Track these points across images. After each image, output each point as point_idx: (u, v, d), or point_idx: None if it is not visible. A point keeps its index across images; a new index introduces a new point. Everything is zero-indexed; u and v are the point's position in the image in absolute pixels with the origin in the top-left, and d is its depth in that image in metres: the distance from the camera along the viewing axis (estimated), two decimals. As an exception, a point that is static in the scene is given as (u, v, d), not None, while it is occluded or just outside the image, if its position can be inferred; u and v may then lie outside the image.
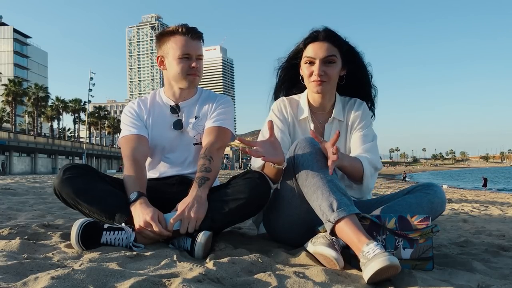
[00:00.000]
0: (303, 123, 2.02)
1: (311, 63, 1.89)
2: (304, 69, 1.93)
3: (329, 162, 1.56)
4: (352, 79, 2.01)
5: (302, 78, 1.99)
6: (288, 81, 2.09)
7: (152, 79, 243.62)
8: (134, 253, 1.53)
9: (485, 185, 26.10)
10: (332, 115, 2.00)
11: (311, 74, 1.89)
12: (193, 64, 1.98)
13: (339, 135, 1.55)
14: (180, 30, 1.98)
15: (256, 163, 1.87)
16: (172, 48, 1.98)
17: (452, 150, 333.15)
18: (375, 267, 1.28)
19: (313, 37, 1.91)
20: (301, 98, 2.05)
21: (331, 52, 1.87)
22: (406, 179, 41.60)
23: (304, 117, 2.00)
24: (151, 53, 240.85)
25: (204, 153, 1.93)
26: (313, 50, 1.89)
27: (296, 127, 2.02)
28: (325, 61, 1.87)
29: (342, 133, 2.02)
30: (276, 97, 2.13)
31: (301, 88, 2.07)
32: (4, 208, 3.18)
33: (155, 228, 1.65)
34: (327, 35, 1.90)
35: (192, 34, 1.98)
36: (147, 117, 2.11)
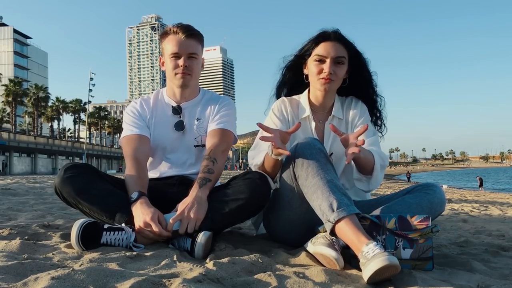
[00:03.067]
0: (304, 122, 2.02)
1: (321, 61, 1.90)
2: (311, 67, 1.93)
3: (349, 151, 1.57)
4: (357, 85, 2.02)
5: (306, 77, 1.99)
6: (291, 80, 2.09)
7: (152, 80, 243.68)
8: (134, 253, 1.53)
9: (481, 185, 26.35)
10: (332, 113, 2.02)
11: (320, 72, 1.90)
12: (181, 63, 1.98)
13: (367, 128, 1.58)
14: (172, 30, 2.01)
15: (256, 159, 1.86)
16: (166, 48, 2.02)
17: (452, 150, 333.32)
18: (375, 267, 1.28)
19: (326, 36, 1.93)
20: (301, 98, 2.06)
21: (341, 53, 1.90)
22: (411, 179, 40.78)
23: (305, 116, 2.01)
24: (151, 53, 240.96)
25: (208, 154, 1.93)
26: (325, 49, 1.90)
27: None
28: (335, 61, 1.89)
29: (342, 131, 2.02)
30: (278, 93, 2.14)
31: (300, 91, 2.09)
32: (4, 209, 3.18)
33: (155, 229, 1.65)
34: (339, 37, 1.93)
35: (182, 32, 1.98)
36: (150, 117, 2.11)
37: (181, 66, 1.98)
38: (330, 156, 1.96)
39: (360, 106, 2.04)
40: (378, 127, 2.11)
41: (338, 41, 1.91)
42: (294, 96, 2.08)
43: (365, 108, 2.05)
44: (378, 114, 2.09)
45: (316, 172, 1.60)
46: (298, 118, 2.02)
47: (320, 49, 1.91)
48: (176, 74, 2.00)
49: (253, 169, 1.90)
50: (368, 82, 2.03)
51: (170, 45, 1.99)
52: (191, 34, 1.99)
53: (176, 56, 1.98)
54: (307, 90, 2.06)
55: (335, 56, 1.89)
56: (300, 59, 2.01)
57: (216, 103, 2.13)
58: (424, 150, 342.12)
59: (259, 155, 1.85)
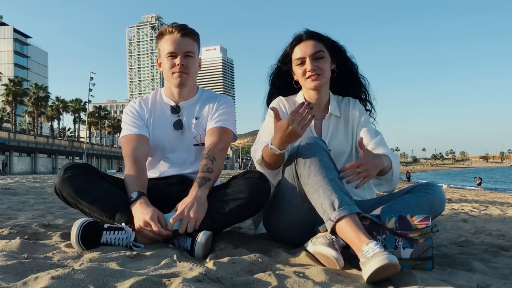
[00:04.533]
0: None
1: (302, 63, 1.96)
2: (297, 71, 1.99)
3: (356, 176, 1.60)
4: (343, 73, 2.06)
5: (296, 82, 2.04)
6: (281, 87, 2.14)
7: (152, 79, 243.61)
8: (134, 253, 1.53)
9: (479, 184, 26.99)
10: (329, 111, 2.05)
11: (304, 72, 1.95)
12: (177, 61, 1.99)
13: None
14: (167, 30, 2.02)
15: (257, 153, 1.85)
16: (162, 48, 2.03)
17: (452, 150, 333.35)
18: (374, 266, 1.28)
19: (298, 39, 1.99)
20: (297, 97, 2.09)
21: (318, 48, 1.95)
22: (411, 179, 40.65)
23: None
24: (151, 53, 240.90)
25: (207, 153, 1.93)
26: (300, 50, 1.96)
27: None
28: (314, 57, 1.94)
29: (340, 129, 2.07)
30: (269, 103, 2.17)
31: (294, 93, 2.12)
32: (4, 208, 3.18)
33: (154, 228, 1.65)
34: (310, 34, 1.98)
35: (178, 31, 1.99)
36: (149, 117, 2.12)
37: (178, 65, 1.99)
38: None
39: (359, 106, 2.09)
40: (369, 112, 2.15)
41: (310, 38, 1.97)
42: (290, 96, 2.12)
43: (363, 108, 2.10)
44: (366, 96, 2.14)
45: (319, 171, 1.60)
46: None
47: (297, 53, 1.97)
48: (173, 73, 2.01)
49: (256, 164, 1.90)
50: (351, 66, 2.08)
51: (166, 44, 2.00)
52: (187, 32, 2.00)
53: (173, 55, 1.99)
54: (301, 91, 2.09)
55: (312, 52, 1.94)
56: (284, 66, 2.06)
57: (215, 101, 2.13)
58: (424, 150, 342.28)
59: (259, 150, 1.85)
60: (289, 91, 2.13)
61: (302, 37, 1.98)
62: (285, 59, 2.05)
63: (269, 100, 2.18)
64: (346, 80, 2.10)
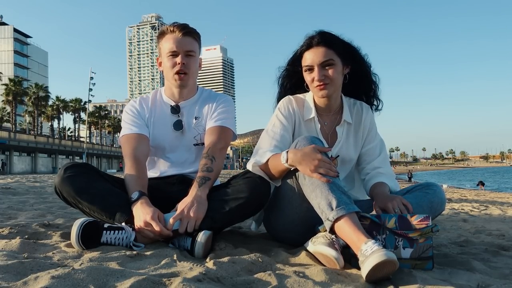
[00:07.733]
0: (309, 123, 2.00)
1: (311, 70, 1.88)
2: (306, 77, 1.93)
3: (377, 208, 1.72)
4: (355, 75, 2.00)
5: (306, 85, 1.98)
6: (291, 88, 2.08)
7: (152, 79, 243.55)
8: (134, 252, 1.53)
9: (482, 184, 27.39)
10: (343, 118, 2.00)
11: (313, 80, 1.88)
12: (178, 60, 1.98)
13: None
14: (168, 29, 2.02)
15: (263, 157, 1.79)
16: (163, 47, 2.03)
17: (452, 149, 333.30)
18: (372, 262, 1.28)
19: (308, 44, 1.90)
20: (307, 97, 2.02)
21: (327, 56, 1.86)
22: (412, 179, 40.56)
23: (311, 117, 1.98)
24: (151, 52, 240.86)
25: (206, 152, 1.93)
26: (310, 57, 1.88)
27: (302, 126, 1.99)
28: (323, 65, 1.86)
29: (350, 136, 2.02)
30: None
31: (305, 91, 2.06)
32: (5, 208, 3.18)
33: (156, 227, 1.65)
34: (321, 40, 1.88)
35: (179, 31, 1.99)
36: (149, 116, 2.12)
37: (179, 63, 1.98)
38: (337, 158, 1.95)
39: (370, 115, 2.05)
40: (375, 107, 2.11)
41: (321, 44, 1.87)
42: (300, 95, 2.05)
43: (373, 117, 2.07)
44: (375, 92, 2.07)
45: (316, 171, 1.59)
46: (304, 118, 1.98)
47: (306, 60, 1.89)
48: (174, 73, 2.00)
49: (251, 168, 1.84)
50: (365, 68, 2.00)
51: (167, 43, 2.00)
52: (188, 32, 2.00)
53: (174, 54, 1.99)
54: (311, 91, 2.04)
55: (320, 61, 1.85)
56: (294, 68, 1.99)
57: (214, 100, 2.13)
58: (424, 149, 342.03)
59: (263, 155, 1.80)
60: (300, 92, 2.06)
61: (312, 43, 1.88)
62: (295, 62, 1.97)
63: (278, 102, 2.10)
64: (358, 81, 2.04)
